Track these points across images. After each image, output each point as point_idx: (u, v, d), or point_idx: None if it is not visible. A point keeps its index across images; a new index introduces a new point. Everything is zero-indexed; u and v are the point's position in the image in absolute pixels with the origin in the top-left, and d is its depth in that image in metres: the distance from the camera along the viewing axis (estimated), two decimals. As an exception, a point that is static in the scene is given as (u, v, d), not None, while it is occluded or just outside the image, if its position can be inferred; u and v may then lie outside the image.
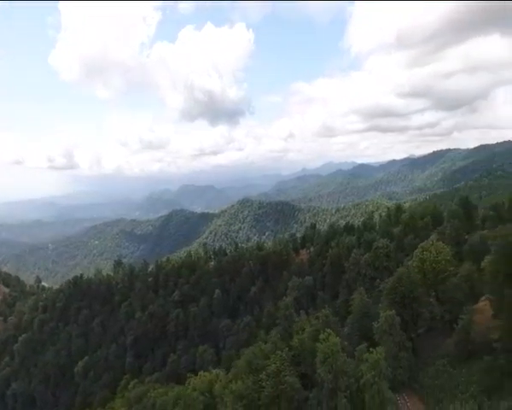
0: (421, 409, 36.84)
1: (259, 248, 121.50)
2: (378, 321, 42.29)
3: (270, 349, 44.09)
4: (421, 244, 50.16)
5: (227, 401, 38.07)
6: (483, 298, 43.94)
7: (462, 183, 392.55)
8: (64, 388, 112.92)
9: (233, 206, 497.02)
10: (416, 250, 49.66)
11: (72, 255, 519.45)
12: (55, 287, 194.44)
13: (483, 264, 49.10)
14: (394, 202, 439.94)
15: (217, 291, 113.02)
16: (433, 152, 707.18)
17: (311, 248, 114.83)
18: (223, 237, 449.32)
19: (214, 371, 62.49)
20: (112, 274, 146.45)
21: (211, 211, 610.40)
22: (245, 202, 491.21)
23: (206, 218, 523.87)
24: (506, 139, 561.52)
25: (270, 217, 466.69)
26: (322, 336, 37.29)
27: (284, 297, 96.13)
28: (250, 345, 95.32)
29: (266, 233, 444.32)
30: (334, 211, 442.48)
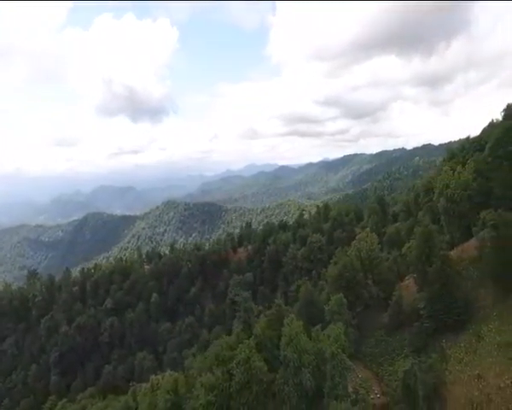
0: (367, 374, 43.59)
1: (198, 248, 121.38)
2: (328, 304, 48.22)
3: (234, 340, 46.42)
4: (358, 236, 58.22)
5: (199, 394, 39.14)
6: (407, 277, 53.50)
7: (369, 184, 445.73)
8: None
9: (157, 207, 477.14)
10: (354, 241, 57.49)
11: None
12: None
13: (404, 250, 59.54)
14: (313, 201, 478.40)
15: (154, 295, 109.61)
16: (344, 156, 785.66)
17: (249, 246, 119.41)
18: (147, 240, 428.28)
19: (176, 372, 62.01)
20: (25, 287, 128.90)
21: (132, 213, 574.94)
22: (170, 204, 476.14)
23: (127, 221, 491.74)
24: (401, 146, 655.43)
25: (197, 218, 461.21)
26: (286, 321, 41.18)
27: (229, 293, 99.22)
28: (193, 345, 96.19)
29: (193, 235, 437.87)
30: (259, 211, 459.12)
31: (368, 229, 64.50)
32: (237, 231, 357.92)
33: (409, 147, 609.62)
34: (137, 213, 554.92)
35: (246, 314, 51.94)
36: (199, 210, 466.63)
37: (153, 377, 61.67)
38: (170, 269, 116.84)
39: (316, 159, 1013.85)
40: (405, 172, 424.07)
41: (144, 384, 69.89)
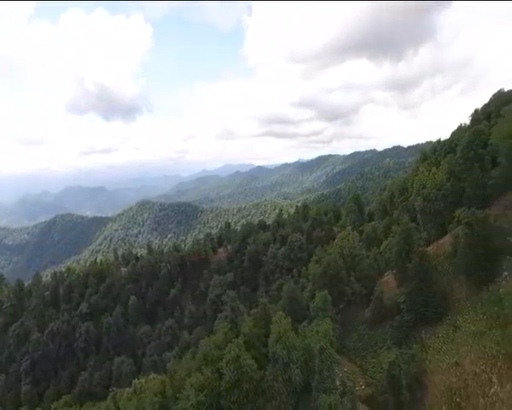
0: (351, 367, 45.25)
1: (177, 249, 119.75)
2: (313, 301, 49.48)
3: (222, 340, 46.58)
4: (340, 234, 60.07)
5: (189, 395, 39.03)
6: (386, 273, 55.91)
7: (343, 184, 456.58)
8: None
9: (131, 208, 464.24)
10: (336, 239, 59.27)
11: None
12: None
13: (382, 248, 62.06)
14: (289, 201, 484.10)
15: (132, 298, 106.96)
16: (319, 157, 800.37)
17: (229, 247, 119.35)
18: (119, 242, 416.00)
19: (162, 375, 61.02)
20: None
21: (103, 215, 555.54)
22: (144, 204, 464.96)
23: (98, 222, 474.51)
24: (372, 148, 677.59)
25: (172, 219, 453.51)
26: (275, 319, 41.92)
27: (210, 294, 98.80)
28: (173, 348, 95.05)
29: (168, 236, 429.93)
30: (235, 211, 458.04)
31: (349, 227, 66.54)
32: (214, 231, 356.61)
33: (380, 148, 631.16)
34: (109, 215, 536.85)
35: (233, 313, 52.25)
36: (174, 211, 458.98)
37: (136, 380, 60.65)
38: (148, 271, 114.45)
39: (291, 159, 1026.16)
40: (377, 173, 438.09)
41: (126, 389, 68.55)
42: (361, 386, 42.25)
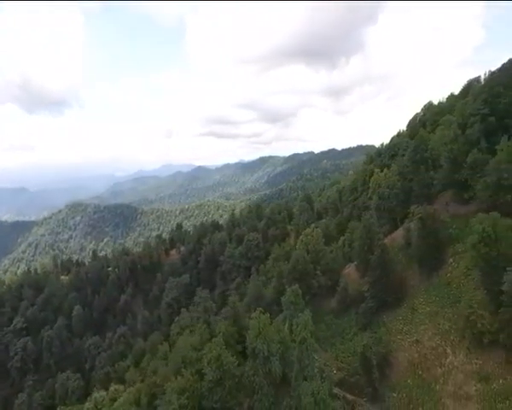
0: (323, 355, 48.25)
1: (126, 253, 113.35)
2: (284, 295, 51.55)
3: (199, 341, 46.19)
4: (305, 231, 63.33)
5: (170, 399, 38.15)
6: (347, 266, 60.56)
7: (284, 184, 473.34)
8: None
9: (60, 211, 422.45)
10: (301, 236, 62.36)
11: None
12: None
13: (340, 242, 66.85)
14: (232, 201, 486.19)
15: (76, 307, 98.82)
16: (260, 158, 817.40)
17: (182, 248, 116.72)
18: (47, 248, 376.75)
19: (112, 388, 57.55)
20: None
21: (26, 218, 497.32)
22: (76, 207, 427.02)
23: (20, 227, 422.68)
24: (310, 150, 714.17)
25: (109, 222, 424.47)
26: (254, 315, 42.94)
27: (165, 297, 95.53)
28: (127, 357, 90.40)
29: (105, 240, 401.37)
30: (178, 212, 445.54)
31: (313, 225, 70.33)
32: (155, 233, 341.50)
33: (316, 151, 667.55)
34: (33, 218, 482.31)
35: (206, 314, 51.84)
36: (111, 213, 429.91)
37: (96, 394, 56.89)
38: (94, 277, 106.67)
39: (232, 160, 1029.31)
40: (315, 174, 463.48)
41: (79, 406, 63.92)
42: (333, 371, 45.41)
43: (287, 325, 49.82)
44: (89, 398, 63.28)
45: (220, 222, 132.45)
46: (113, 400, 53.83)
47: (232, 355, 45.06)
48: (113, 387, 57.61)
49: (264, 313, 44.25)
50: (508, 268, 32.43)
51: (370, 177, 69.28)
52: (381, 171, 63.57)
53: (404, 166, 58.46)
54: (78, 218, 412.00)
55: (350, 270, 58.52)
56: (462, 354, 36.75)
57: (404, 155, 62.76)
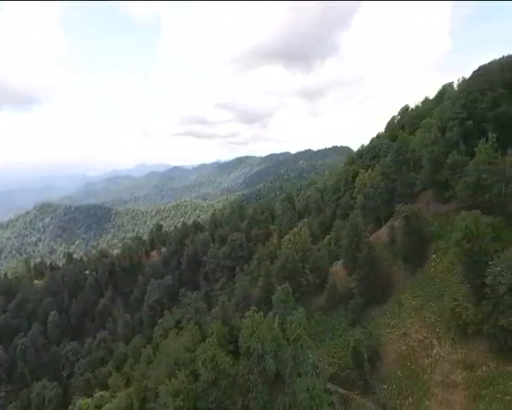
0: (315, 352, 49.16)
1: (105, 255, 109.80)
2: (275, 294, 52.10)
3: (191, 342, 45.73)
4: (292, 230, 64.19)
5: (166, 402, 37.61)
6: (334, 264, 62.00)
7: (261, 184, 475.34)
8: None
9: (28, 213, 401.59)
10: (288, 235, 63.18)
11: None
12: None
13: (326, 241, 68.30)
14: (208, 201, 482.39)
15: (52, 313, 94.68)
16: (236, 158, 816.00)
17: (163, 249, 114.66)
18: (14, 252, 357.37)
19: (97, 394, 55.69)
20: None
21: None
22: (45, 208, 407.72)
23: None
24: (286, 150, 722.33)
25: (81, 223, 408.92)
26: (247, 314, 43.17)
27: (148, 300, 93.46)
28: (107, 362, 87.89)
29: (76, 242, 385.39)
30: (154, 213, 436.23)
31: (300, 224, 71.32)
32: (130, 235, 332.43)
33: (293, 151, 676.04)
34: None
35: (197, 315, 51.32)
36: (83, 214, 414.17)
37: (81, 401, 54.97)
38: (71, 281, 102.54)
39: (209, 160, 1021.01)
40: (292, 174, 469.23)
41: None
42: (325, 366, 46.43)
43: (276, 322, 50.54)
44: (71, 406, 61.10)
45: (198, 222, 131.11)
46: (99, 407, 52.26)
47: (226, 355, 45.15)
48: (98, 393, 55.76)
49: (257, 312, 44.73)
50: (490, 262, 34.65)
51: (353, 177, 71.43)
52: (366, 171, 65.71)
53: (388, 167, 60.74)
54: (47, 219, 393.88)
55: (337, 268, 60.02)
56: (448, 344, 38.80)
57: (385, 156, 65.15)
